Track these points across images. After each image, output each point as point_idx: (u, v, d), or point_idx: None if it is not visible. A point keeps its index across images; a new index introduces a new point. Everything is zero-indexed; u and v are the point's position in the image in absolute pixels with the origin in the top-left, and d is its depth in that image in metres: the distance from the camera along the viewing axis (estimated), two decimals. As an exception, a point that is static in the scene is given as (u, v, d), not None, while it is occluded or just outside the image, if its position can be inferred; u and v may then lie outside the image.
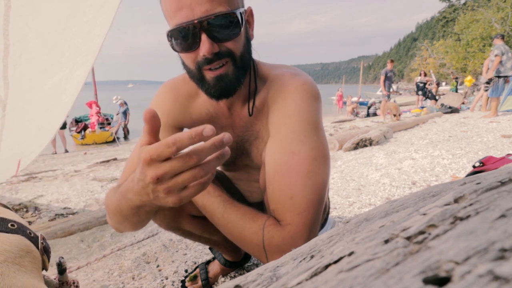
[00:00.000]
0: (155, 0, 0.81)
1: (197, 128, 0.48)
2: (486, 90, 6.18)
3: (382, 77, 8.48)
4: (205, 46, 0.68)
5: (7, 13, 1.16)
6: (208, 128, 0.48)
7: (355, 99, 16.07)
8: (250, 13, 0.79)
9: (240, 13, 0.72)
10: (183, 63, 0.78)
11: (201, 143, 0.50)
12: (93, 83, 12.61)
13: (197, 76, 0.75)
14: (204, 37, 0.68)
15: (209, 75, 0.73)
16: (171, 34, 0.71)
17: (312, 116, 0.79)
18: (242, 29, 0.73)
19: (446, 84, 20.52)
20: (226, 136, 0.51)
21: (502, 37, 6.10)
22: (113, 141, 10.42)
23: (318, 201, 0.74)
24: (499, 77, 5.89)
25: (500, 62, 5.82)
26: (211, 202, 0.82)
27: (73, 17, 1.45)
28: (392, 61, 8.79)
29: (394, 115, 7.92)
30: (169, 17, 0.71)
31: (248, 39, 0.78)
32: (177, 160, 0.49)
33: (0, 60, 1.33)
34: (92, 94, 12.38)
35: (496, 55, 5.82)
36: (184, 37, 0.70)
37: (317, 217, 0.75)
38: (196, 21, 0.67)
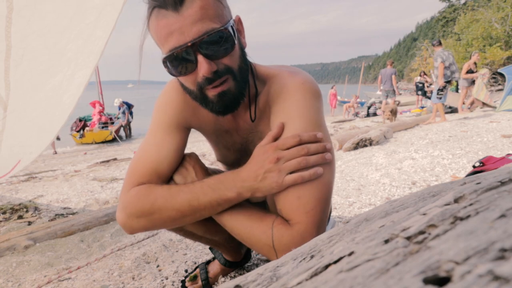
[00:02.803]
0: (156, 0, 0.80)
1: (313, 132, 0.75)
2: (440, 98, 6.38)
3: (394, 76, 8.53)
4: (203, 67, 0.68)
5: (9, 15, 1.16)
6: (319, 134, 0.75)
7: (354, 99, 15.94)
8: (238, 21, 0.78)
9: (231, 26, 0.71)
10: (183, 86, 0.78)
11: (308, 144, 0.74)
12: (98, 82, 12.60)
13: (199, 96, 0.75)
14: (200, 58, 0.68)
15: (212, 93, 0.73)
16: (167, 60, 0.70)
17: (313, 115, 0.79)
18: (236, 41, 0.72)
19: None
20: (327, 144, 0.76)
21: (440, 43, 6.17)
22: (113, 140, 10.33)
23: (325, 199, 0.75)
24: (448, 82, 6.01)
25: (445, 67, 5.95)
26: None
27: (75, 18, 1.45)
28: (392, 62, 8.92)
29: (391, 112, 7.57)
30: (161, 44, 0.70)
31: (242, 49, 0.77)
32: (293, 149, 0.73)
33: (2, 62, 1.33)
34: (96, 94, 12.38)
35: (441, 63, 5.93)
36: (180, 61, 0.69)
37: (325, 215, 0.75)
38: (189, 44, 0.66)
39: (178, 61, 0.69)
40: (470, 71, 8.04)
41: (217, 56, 0.70)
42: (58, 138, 8.35)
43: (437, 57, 5.97)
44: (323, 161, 0.74)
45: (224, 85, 0.73)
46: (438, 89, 6.13)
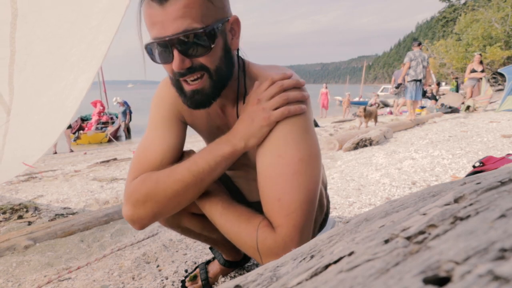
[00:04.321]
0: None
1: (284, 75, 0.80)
2: (396, 94, 6.69)
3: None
4: (175, 62, 0.70)
5: (14, 21, 1.16)
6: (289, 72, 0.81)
7: (356, 98, 15.78)
8: (234, 22, 0.77)
9: (214, 28, 0.70)
10: (167, 71, 0.80)
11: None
12: (102, 82, 12.58)
13: (176, 85, 0.77)
14: (175, 52, 0.69)
15: (187, 87, 0.75)
16: (148, 47, 0.73)
17: (299, 117, 0.78)
18: (217, 43, 0.72)
19: (446, 84, 20.49)
20: (301, 81, 0.81)
21: (419, 43, 6.47)
22: (109, 141, 10.20)
23: (307, 202, 0.73)
24: (414, 81, 6.29)
25: (410, 67, 6.29)
26: (211, 201, 0.83)
27: (79, 23, 1.45)
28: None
29: (364, 110, 6.95)
30: (148, 30, 0.73)
31: (228, 51, 0.77)
32: (268, 88, 0.77)
33: (6, 67, 1.33)
34: (98, 93, 12.38)
35: (405, 63, 6.36)
36: (159, 51, 0.72)
37: (308, 218, 0.74)
38: (167, 38, 0.68)
39: (158, 50, 0.72)
40: (473, 71, 8.19)
41: (192, 54, 0.71)
42: (71, 150, 8.36)
43: (406, 56, 6.39)
44: (302, 98, 0.78)
45: (199, 82, 0.74)
46: (395, 86, 6.56)
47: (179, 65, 0.70)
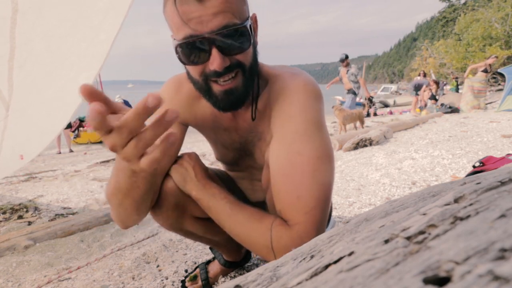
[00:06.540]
0: (156, 0, 0.80)
1: (141, 101, 0.46)
2: (371, 107, 7.16)
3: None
4: (216, 61, 0.66)
5: (14, 16, 1.16)
6: (150, 98, 0.45)
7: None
8: (255, 20, 0.77)
9: (250, 24, 0.70)
10: (188, 74, 0.77)
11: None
12: (99, 83, 12.54)
13: (204, 88, 0.74)
14: (215, 51, 0.66)
15: (217, 88, 0.72)
16: (180, 47, 0.68)
17: (315, 116, 0.79)
18: (252, 39, 0.71)
19: (446, 84, 20.53)
20: (169, 113, 0.47)
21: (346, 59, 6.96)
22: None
23: (324, 199, 0.74)
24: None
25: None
26: (217, 204, 0.81)
27: (79, 22, 1.44)
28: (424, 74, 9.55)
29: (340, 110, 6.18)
30: (175, 28, 0.68)
31: (255, 47, 0.77)
32: (113, 132, 0.48)
33: (6, 62, 1.33)
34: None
35: (360, 77, 6.80)
36: (194, 50, 0.68)
37: (325, 216, 0.75)
38: (207, 35, 0.65)
39: (191, 49, 0.68)
40: (485, 71, 8.28)
41: (231, 52, 0.69)
42: (71, 150, 8.32)
43: (359, 71, 6.77)
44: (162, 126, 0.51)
45: (233, 82, 0.72)
46: (370, 100, 7.11)
47: (221, 64, 0.67)
